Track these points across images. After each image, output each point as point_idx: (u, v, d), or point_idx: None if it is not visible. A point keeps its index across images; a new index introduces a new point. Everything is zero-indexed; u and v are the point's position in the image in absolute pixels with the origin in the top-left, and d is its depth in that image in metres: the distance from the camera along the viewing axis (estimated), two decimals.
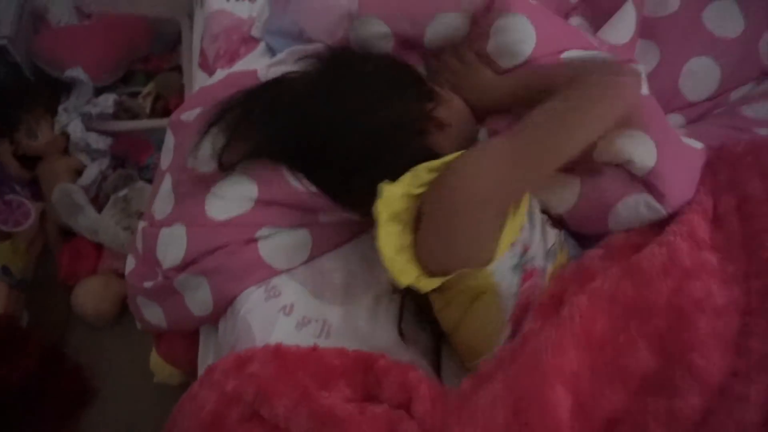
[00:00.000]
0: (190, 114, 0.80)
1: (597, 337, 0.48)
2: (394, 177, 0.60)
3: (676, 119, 0.82)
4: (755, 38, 0.82)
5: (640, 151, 0.60)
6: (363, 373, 0.62)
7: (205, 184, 0.75)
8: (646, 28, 0.83)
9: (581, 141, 0.56)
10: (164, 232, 0.75)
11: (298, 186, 0.71)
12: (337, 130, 0.66)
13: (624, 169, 0.61)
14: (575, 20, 0.87)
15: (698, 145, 0.68)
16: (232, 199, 0.73)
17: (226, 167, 0.73)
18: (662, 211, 0.62)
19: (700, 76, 0.81)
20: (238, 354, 0.65)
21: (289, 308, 0.73)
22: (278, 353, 0.64)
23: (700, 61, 0.81)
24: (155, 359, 0.96)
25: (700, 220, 0.57)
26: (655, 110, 0.65)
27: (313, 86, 0.70)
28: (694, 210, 0.59)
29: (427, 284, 0.59)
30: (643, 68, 0.69)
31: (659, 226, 0.63)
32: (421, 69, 0.79)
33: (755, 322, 0.50)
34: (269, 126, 0.70)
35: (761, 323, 0.50)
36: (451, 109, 0.70)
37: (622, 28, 0.81)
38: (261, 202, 0.73)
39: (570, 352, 0.47)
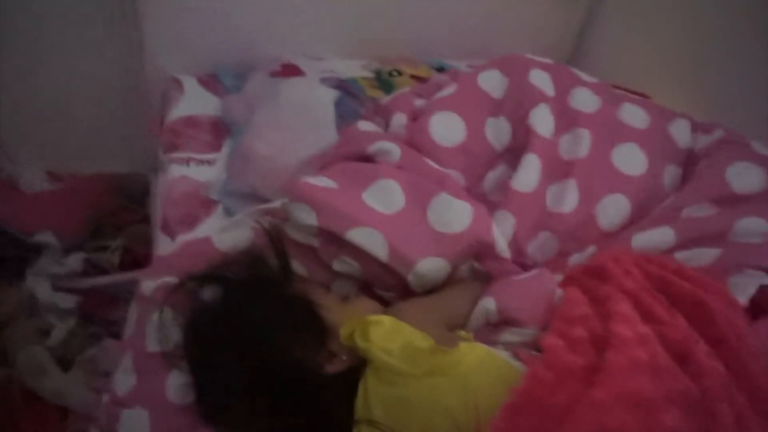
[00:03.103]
0: (149, 286, 0.85)
1: None
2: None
3: (590, 250, 0.90)
4: (658, 173, 0.93)
5: (487, 304, 0.79)
6: None
7: (164, 364, 0.78)
8: (564, 170, 0.93)
9: (463, 306, 0.80)
10: (126, 414, 0.76)
11: None
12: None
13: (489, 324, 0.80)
14: (500, 168, 0.97)
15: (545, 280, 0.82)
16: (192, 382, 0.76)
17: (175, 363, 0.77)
18: (531, 331, 0.75)
19: (613, 211, 0.90)
20: None
21: None
22: None
23: (612, 197, 0.90)
24: None
25: (642, 378, 0.57)
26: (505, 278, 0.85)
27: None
28: (634, 365, 0.58)
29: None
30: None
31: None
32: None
33: None
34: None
35: None
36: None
37: (526, 177, 0.91)
38: None
39: None
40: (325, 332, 0.73)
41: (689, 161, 0.96)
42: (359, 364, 0.70)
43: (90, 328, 1.40)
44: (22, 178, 1.61)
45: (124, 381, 0.81)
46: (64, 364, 1.35)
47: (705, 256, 0.82)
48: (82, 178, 1.69)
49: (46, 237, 1.41)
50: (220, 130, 1.24)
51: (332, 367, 0.72)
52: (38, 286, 1.38)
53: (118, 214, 1.70)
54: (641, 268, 0.76)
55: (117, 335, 1.37)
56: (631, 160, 0.93)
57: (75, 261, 1.42)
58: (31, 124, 1.65)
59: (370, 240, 0.79)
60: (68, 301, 1.40)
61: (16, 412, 1.37)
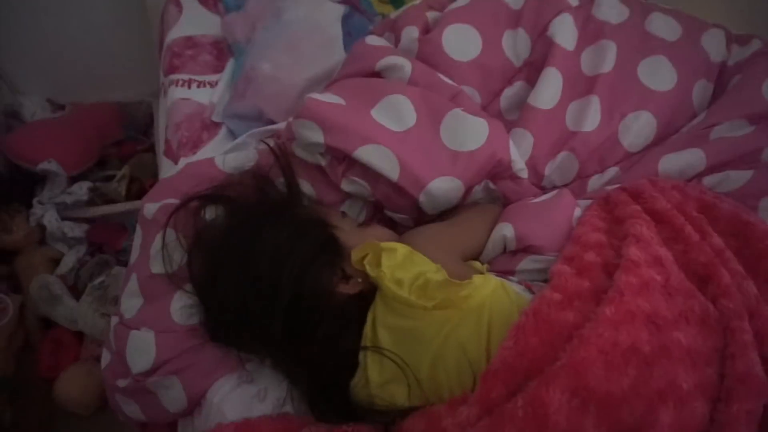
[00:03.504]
0: (152, 208, 0.82)
1: (551, 426, 0.47)
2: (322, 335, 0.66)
3: (612, 172, 0.85)
4: (688, 89, 0.87)
5: (504, 230, 0.76)
6: None
7: (169, 286, 0.76)
8: (587, 85, 0.87)
9: (480, 233, 0.78)
10: (133, 335, 0.76)
11: None
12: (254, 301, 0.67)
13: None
14: (518, 85, 0.92)
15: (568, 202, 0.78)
16: (197, 303, 0.75)
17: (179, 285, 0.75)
18: (552, 258, 0.71)
19: (637, 129, 0.84)
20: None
21: (263, 393, 0.74)
22: (245, 425, 0.66)
23: (637, 114, 0.84)
24: None
25: (655, 298, 0.55)
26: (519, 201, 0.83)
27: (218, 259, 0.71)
28: (645, 285, 0.56)
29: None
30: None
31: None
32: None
33: (728, 412, 0.49)
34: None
35: (740, 414, 0.49)
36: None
37: (546, 93, 0.85)
38: None
39: None
40: (340, 253, 0.71)
41: (722, 76, 0.89)
42: (372, 289, 0.68)
43: (100, 256, 1.40)
44: (24, 107, 1.58)
45: (130, 304, 0.81)
46: (76, 291, 1.36)
47: (735, 179, 0.78)
48: (85, 106, 1.65)
49: (50, 166, 1.38)
50: (221, 50, 1.19)
51: (347, 288, 0.70)
52: (45, 214, 1.37)
53: (124, 144, 1.67)
54: (680, 190, 0.72)
55: (126, 264, 1.37)
56: (659, 74, 0.86)
57: (80, 189, 1.40)
58: (32, 53, 1.61)
59: (380, 158, 0.75)
60: (76, 230, 1.39)
61: (33, 337, 1.40)
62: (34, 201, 1.39)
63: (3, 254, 1.41)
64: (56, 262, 1.40)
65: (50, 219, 1.36)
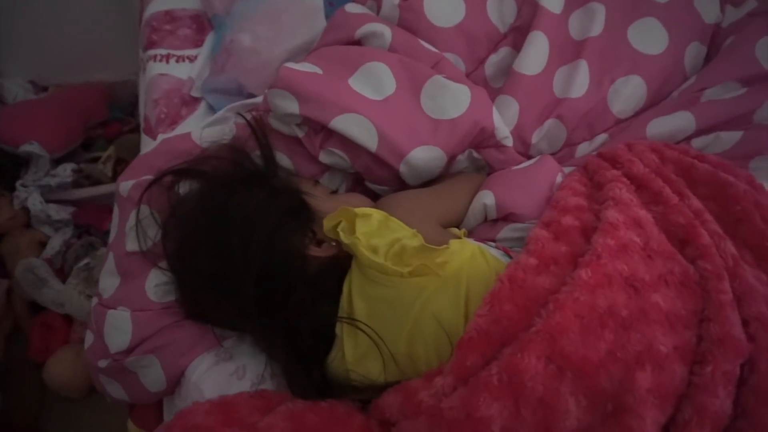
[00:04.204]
0: (126, 185, 0.80)
1: (527, 393, 0.46)
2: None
3: (601, 139, 0.82)
4: (680, 52, 0.83)
5: (485, 198, 0.74)
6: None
7: (144, 264, 0.74)
8: (575, 50, 0.84)
9: (460, 200, 0.77)
10: (110, 314, 0.74)
11: None
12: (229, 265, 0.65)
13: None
14: (503, 51, 0.88)
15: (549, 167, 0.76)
16: (173, 280, 0.73)
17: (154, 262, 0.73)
18: (532, 226, 0.67)
19: (627, 94, 0.81)
20: (180, 410, 0.65)
21: (241, 371, 0.73)
22: (222, 403, 0.65)
23: (627, 78, 0.81)
24: (132, 427, 0.95)
25: (633, 260, 0.54)
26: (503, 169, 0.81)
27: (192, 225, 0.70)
28: (623, 248, 0.55)
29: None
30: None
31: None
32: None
33: (704, 374, 0.48)
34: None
35: (716, 375, 0.48)
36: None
37: (532, 58, 0.82)
38: None
39: (495, 403, 0.46)
40: (312, 219, 0.68)
41: (716, 38, 0.86)
42: (348, 258, 0.66)
43: (86, 238, 1.39)
44: (5, 89, 1.55)
45: (107, 283, 0.79)
46: (63, 274, 1.35)
47: (725, 140, 0.76)
48: (69, 87, 1.62)
49: (32, 148, 1.36)
50: (201, 24, 1.15)
51: (319, 251, 0.68)
52: (29, 197, 1.35)
53: (109, 124, 1.64)
54: (658, 153, 0.70)
55: None
56: (650, 37, 0.83)
57: (64, 171, 1.38)
58: (13, 34, 1.57)
59: (358, 128, 0.72)
60: (62, 212, 1.37)
61: (22, 321, 1.39)
62: (17, 184, 1.37)
63: None
64: (43, 244, 1.39)
65: (34, 202, 1.34)
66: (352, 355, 0.61)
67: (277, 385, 0.69)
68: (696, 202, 0.60)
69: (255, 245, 0.63)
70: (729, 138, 0.75)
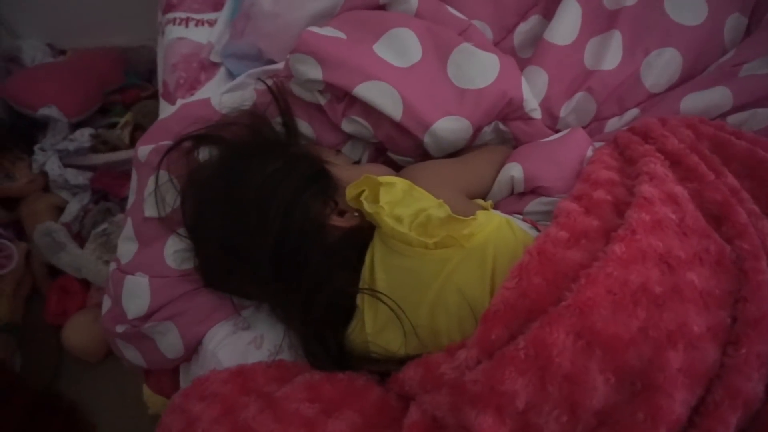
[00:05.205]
0: (145, 150, 0.79)
1: (554, 369, 0.45)
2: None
3: (632, 114, 0.79)
4: (719, 24, 0.80)
5: (512, 171, 0.72)
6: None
7: (163, 230, 0.73)
8: (608, 19, 0.81)
9: (486, 172, 0.75)
10: (128, 280, 0.74)
11: None
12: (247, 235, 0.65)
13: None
14: (533, 19, 0.85)
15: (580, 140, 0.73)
16: (191, 247, 0.72)
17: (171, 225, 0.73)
18: (557, 200, 0.66)
19: (661, 67, 0.78)
20: (198, 378, 0.66)
21: (259, 341, 0.72)
22: (239, 372, 0.65)
23: (661, 51, 0.78)
24: (147, 392, 0.96)
25: (668, 237, 0.52)
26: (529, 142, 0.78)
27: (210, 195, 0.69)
28: (658, 223, 0.52)
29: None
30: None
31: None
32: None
33: (738, 356, 0.47)
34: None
35: (750, 357, 0.47)
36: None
37: (563, 27, 0.79)
38: None
39: (521, 377, 0.45)
40: (334, 188, 0.67)
41: (758, 9, 0.82)
42: (370, 227, 0.64)
43: (103, 204, 1.39)
44: (23, 52, 1.54)
45: (126, 248, 0.79)
46: (80, 239, 1.35)
47: (763, 117, 0.72)
48: (85, 51, 1.60)
49: (50, 111, 1.35)
50: None
51: (341, 221, 0.66)
52: (47, 162, 1.35)
53: (127, 90, 1.62)
54: (693, 128, 0.67)
55: None
56: (687, 7, 0.79)
57: (82, 136, 1.37)
58: None
59: (382, 96, 0.70)
60: (80, 177, 1.37)
61: (40, 284, 1.40)
62: (36, 147, 1.37)
63: (7, 201, 1.40)
64: (61, 209, 1.39)
65: (52, 166, 1.34)
66: (372, 327, 0.60)
67: (294, 355, 0.69)
68: (732, 180, 0.58)
69: (273, 212, 0.62)
70: (765, 114, 0.72)
